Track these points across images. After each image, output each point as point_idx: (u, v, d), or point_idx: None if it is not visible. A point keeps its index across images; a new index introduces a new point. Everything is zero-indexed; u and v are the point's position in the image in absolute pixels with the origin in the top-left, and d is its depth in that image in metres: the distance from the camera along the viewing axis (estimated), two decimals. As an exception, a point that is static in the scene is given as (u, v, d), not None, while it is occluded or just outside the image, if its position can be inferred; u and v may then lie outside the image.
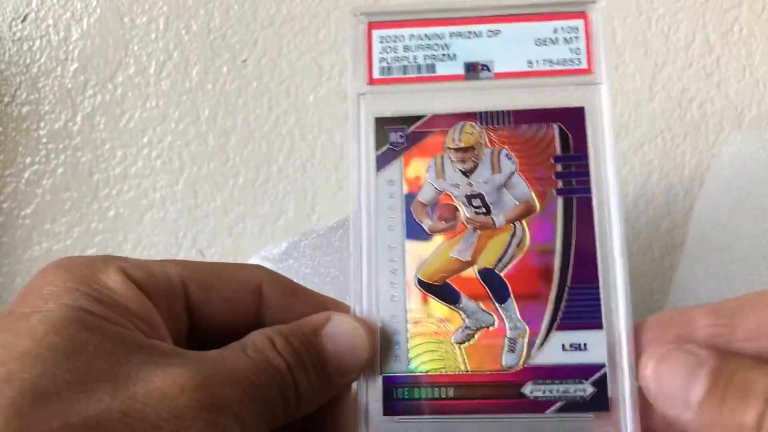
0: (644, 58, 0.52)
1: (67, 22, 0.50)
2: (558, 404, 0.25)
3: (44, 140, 0.50)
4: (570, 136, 0.26)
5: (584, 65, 0.27)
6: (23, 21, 0.51)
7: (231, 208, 0.52)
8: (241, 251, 0.52)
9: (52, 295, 0.22)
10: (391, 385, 0.25)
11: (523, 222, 0.26)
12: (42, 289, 0.22)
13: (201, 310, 0.25)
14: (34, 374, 0.19)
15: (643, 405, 0.24)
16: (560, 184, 0.26)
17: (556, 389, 0.25)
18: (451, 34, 0.27)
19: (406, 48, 0.27)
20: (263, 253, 0.39)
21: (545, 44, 0.27)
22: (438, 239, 0.26)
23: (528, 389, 0.25)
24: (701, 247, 0.45)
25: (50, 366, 0.20)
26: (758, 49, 0.53)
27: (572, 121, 0.26)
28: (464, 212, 0.26)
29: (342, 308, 0.26)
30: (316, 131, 0.52)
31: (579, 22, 0.27)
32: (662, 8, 0.52)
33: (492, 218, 0.26)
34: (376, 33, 0.27)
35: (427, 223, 0.26)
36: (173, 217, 0.51)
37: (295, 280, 0.36)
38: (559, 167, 0.26)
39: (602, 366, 0.25)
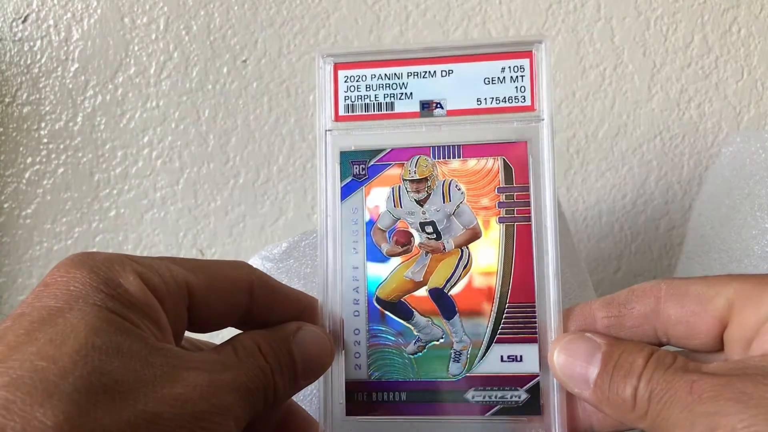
0: (643, 58, 0.52)
1: (68, 23, 0.50)
2: (496, 408, 0.29)
3: (45, 140, 0.50)
4: (513, 168, 0.29)
5: (528, 102, 0.29)
6: (24, 21, 0.50)
7: (231, 208, 0.51)
8: (241, 251, 0.52)
9: (79, 292, 0.23)
10: (352, 390, 0.29)
11: (469, 247, 0.29)
12: (68, 284, 0.23)
13: (200, 310, 0.27)
14: (84, 373, 0.21)
15: (570, 409, 0.28)
16: (503, 212, 0.29)
17: (494, 395, 0.29)
18: (409, 74, 0.30)
19: (368, 87, 0.30)
20: (263, 253, 0.39)
21: (493, 83, 0.29)
22: (394, 261, 0.30)
23: (470, 395, 0.29)
24: (700, 247, 0.45)
25: (97, 366, 0.21)
26: (756, 50, 0.52)
27: (515, 155, 0.29)
28: (418, 237, 0.30)
29: (314, 306, 0.29)
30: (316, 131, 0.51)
31: (525, 62, 0.29)
32: (661, 9, 0.52)
33: (442, 243, 0.29)
34: (341, 73, 0.30)
35: (385, 247, 0.30)
36: (174, 217, 0.51)
37: (296, 280, 0.36)
38: (502, 197, 0.29)
39: (536, 375, 0.29)
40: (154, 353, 0.23)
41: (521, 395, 0.28)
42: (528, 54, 0.29)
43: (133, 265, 0.24)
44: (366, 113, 0.30)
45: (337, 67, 0.30)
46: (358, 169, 0.30)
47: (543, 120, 0.29)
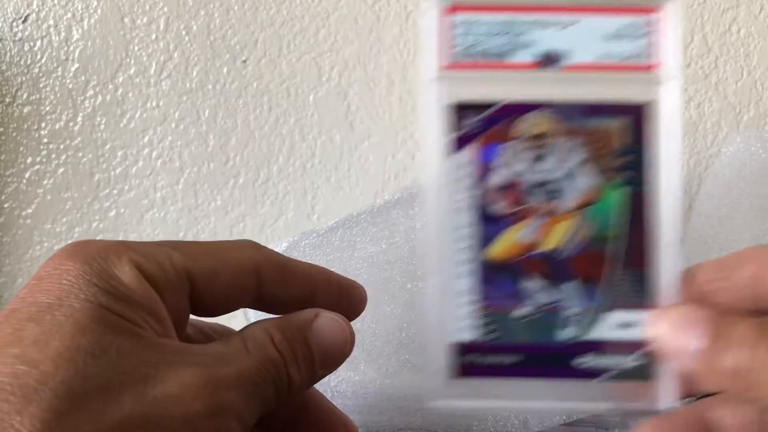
0: (643, 58, 0.52)
1: (68, 23, 0.50)
2: (607, 374, 0.27)
3: (45, 140, 0.50)
4: (634, 131, 0.27)
5: (653, 61, 0.27)
6: (24, 21, 0.50)
7: (231, 208, 0.51)
8: (241, 251, 0.51)
9: (71, 287, 0.22)
10: (459, 352, 0.28)
11: (586, 210, 0.28)
12: (60, 278, 0.22)
13: (204, 297, 0.26)
14: (66, 377, 0.20)
15: (680, 375, 0.27)
16: (621, 176, 0.27)
17: (606, 361, 0.27)
18: (529, 23, 0.27)
19: (484, 34, 0.27)
20: (263, 253, 0.38)
21: (618, 38, 0.27)
22: (505, 222, 0.28)
23: (582, 360, 0.28)
24: (700, 247, 0.45)
25: (81, 369, 0.20)
26: (756, 50, 0.52)
27: (637, 117, 0.27)
28: (532, 198, 0.28)
29: (330, 281, 0.28)
30: (316, 131, 0.51)
31: (652, 18, 0.27)
32: (661, 9, 0.51)
33: (557, 205, 0.28)
34: (456, 18, 0.27)
35: (495, 207, 0.28)
36: (174, 217, 0.51)
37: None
38: (621, 161, 0.27)
39: (648, 342, 0.27)
40: (149, 350, 0.22)
41: (632, 361, 0.27)
42: (656, 10, 0.27)
43: (130, 254, 0.23)
44: (479, 61, 0.27)
45: (451, 9, 0.27)
46: (468, 122, 0.27)
47: (667, 81, 0.27)
